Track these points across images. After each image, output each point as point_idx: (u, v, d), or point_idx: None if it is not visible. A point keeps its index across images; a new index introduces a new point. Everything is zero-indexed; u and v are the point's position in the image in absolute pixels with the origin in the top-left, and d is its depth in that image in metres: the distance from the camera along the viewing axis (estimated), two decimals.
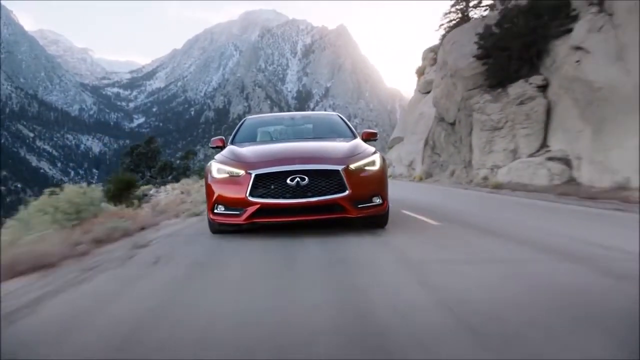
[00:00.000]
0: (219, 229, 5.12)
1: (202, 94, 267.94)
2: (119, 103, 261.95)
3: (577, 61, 12.97)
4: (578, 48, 13.08)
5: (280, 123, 7.22)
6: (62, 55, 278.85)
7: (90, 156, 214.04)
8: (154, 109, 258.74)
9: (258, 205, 4.51)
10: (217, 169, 4.84)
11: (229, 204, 4.68)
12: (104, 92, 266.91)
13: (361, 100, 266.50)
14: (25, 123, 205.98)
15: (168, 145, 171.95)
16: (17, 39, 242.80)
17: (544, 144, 15.23)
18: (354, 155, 4.84)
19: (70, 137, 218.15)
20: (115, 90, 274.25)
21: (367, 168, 4.77)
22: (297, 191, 4.49)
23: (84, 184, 7.25)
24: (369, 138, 5.90)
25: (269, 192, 4.52)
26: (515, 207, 8.39)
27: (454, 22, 28.56)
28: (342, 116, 6.77)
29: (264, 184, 4.53)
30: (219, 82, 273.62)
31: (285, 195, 4.50)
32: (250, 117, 7.24)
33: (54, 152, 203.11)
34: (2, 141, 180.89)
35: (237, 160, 4.86)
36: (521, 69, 16.32)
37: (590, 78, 12.29)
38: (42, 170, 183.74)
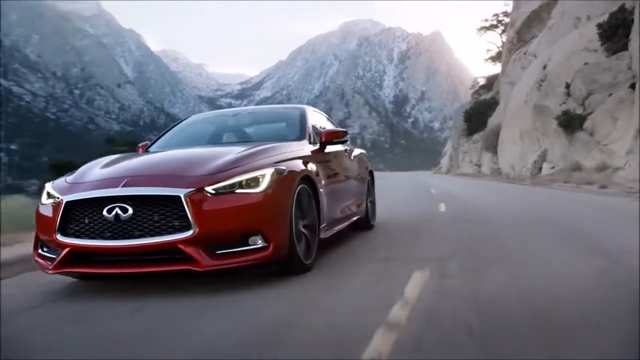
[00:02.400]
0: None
1: (305, 102, 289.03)
2: None
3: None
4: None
5: (223, 122, 5.26)
6: (182, 72, 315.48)
7: None
8: None
9: (69, 248, 2.95)
10: (47, 191, 3.28)
11: (46, 243, 3.19)
12: (218, 103, 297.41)
13: (456, 102, 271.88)
14: (156, 133, 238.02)
15: None
16: (146, 60, 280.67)
17: (479, 159, 37.79)
18: (230, 168, 3.08)
19: None
20: (228, 100, 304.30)
21: (240, 190, 2.97)
22: (118, 228, 2.85)
23: None
24: (329, 140, 4.32)
25: (83, 229, 2.94)
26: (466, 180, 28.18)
27: (478, 86, 55.54)
28: (306, 111, 4.73)
29: (78, 215, 2.98)
30: (321, 89, 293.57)
31: (103, 234, 2.88)
32: (196, 115, 5.72)
33: None
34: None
35: (74, 180, 3.29)
36: (478, 128, 39.62)
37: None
38: None
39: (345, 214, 4.70)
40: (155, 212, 2.88)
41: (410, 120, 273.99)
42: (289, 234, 3.13)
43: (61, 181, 3.34)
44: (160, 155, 3.83)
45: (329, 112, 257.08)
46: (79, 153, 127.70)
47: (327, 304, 2.58)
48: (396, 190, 15.50)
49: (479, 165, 37.71)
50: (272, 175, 3.08)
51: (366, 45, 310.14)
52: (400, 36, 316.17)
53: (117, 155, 3.96)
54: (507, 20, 45.71)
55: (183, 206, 2.82)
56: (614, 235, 4.69)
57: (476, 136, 40.44)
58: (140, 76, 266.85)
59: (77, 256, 3.02)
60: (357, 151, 5.80)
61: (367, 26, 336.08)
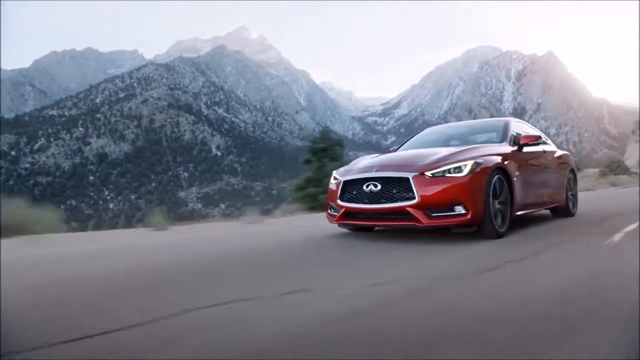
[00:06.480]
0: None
1: (436, 116, 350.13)
2: (376, 127, 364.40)
3: None
4: None
5: (446, 132, 6.97)
6: (336, 98, 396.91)
7: None
8: (402, 130, 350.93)
9: (344, 209, 4.95)
10: (334, 175, 5.42)
11: (333, 205, 5.24)
12: (365, 121, 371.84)
13: (570, 110, 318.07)
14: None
15: None
16: (313, 91, 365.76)
17: None
18: (442, 161, 4.62)
19: (351, 154, 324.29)
20: (373, 118, 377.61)
21: (448, 175, 4.43)
22: (372, 197, 4.65)
23: None
24: (526, 143, 5.61)
25: (352, 197, 4.89)
26: None
27: None
28: (509, 122, 6.09)
29: (349, 189, 4.93)
30: (449, 106, 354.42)
31: (363, 200, 4.74)
32: (428, 128, 7.33)
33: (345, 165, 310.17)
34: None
35: (347, 169, 5.40)
36: None
37: None
38: None
39: (539, 201, 6.01)
40: (394, 187, 4.57)
41: None
42: (484, 207, 4.47)
43: (340, 170, 5.49)
44: (399, 154, 5.71)
45: None
46: (279, 161, 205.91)
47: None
48: None
49: None
50: (472, 165, 4.50)
51: (487, 67, 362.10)
52: (517, 58, 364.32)
53: (373, 155, 6.09)
54: None
55: (410, 184, 4.44)
56: None
57: None
58: (310, 104, 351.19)
59: (349, 213, 4.97)
60: (559, 152, 7.10)
61: (486, 51, 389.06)
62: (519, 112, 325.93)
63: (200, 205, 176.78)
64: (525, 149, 5.70)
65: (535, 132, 6.74)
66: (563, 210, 6.88)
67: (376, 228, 5.66)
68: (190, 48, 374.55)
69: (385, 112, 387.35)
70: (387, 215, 4.64)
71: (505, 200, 4.87)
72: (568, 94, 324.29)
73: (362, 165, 5.31)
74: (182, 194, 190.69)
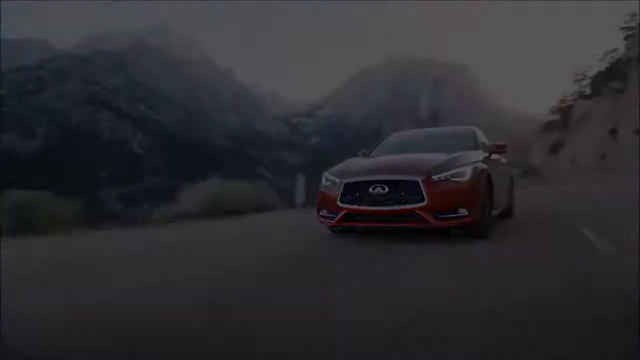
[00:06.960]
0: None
1: (358, 119, 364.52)
2: (301, 128, 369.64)
3: None
4: None
5: (417, 138, 7.36)
6: (262, 98, 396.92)
7: (288, 166, 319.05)
8: (325, 131, 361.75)
9: (345, 211, 4.98)
10: (325, 177, 5.47)
11: (328, 208, 5.24)
12: (290, 122, 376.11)
13: (480, 117, 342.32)
14: (250, 147, 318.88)
15: (338, 155, 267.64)
16: (238, 91, 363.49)
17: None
18: (446, 165, 4.88)
19: (276, 153, 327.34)
20: (298, 119, 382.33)
21: (453, 179, 4.73)
22: (378, 199, 4.75)
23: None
24: (495, 151, 6.08)
25: (355, 199, 4.91)
26: None
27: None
28: (476, 130, 6.69)
29: (352, 191, 4.95)
30: (370, 109, 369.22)
31: (368, 202, 4.81)
32: (397, 133, 7.72)
33: (270, 165, 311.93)
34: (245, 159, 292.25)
35: (343, 170, 5.43)
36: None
37: None
38: (266, 178, 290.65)
39: (502, 202, 6.53)
40: (401, 190, 4.71)
41: None
42: (481, 209, 4.87)
43: (334, 172, 5.50)
44: (392, 157, 5.84)
45: (379, 128, 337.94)
46: (204, 160, 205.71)
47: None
48: None
49: None
50: (473, 170, 4.88)
51: (405, 73, 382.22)
52: (432, 65, 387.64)
53: (360, 158, 6.19)
54: None
55: (420, 187, 4.64)
56: None
57: None
58: (235, 103, 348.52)
59: (350, 215, 5.00)
60: (503, 160, 7.44)
61: (405, 58, 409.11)
62: (436, 117, 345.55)
63: (121, 206, 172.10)
64: (493, 157, 6.21)
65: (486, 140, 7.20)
66: (507, 212, 7.52)
67: (358, 229, 5.84)
68: (108, 41, 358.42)
69: (309, 113, 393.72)
70: (393, 218, 4.79)
71: (489, 204, 5.37)
72: (477, 101, 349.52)
73: (359, 167, 5.50)
74: (101, 194, 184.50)
